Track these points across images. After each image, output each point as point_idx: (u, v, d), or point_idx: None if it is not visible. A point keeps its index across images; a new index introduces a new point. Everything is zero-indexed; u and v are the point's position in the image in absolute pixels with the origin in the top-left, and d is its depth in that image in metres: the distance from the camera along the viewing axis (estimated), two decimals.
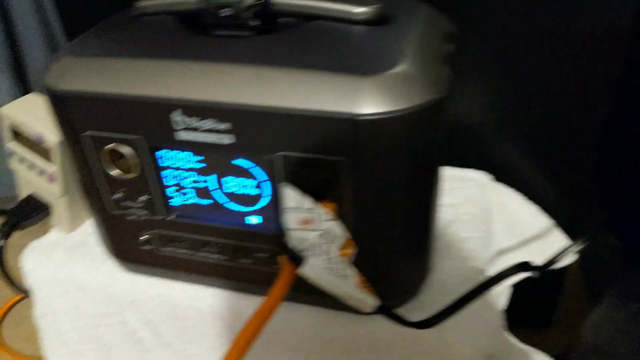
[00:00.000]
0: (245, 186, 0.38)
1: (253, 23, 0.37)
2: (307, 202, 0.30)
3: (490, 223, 0.54)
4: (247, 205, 0.39)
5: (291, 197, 0.30)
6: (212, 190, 0.39)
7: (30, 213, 0.50)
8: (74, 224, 0.52)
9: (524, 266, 0.34)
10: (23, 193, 0.52)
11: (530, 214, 0.57)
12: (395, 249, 0.38)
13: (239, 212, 0.39)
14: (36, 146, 0.47)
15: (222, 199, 0.39)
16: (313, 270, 0.26)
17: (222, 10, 0.36)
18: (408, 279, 0.41)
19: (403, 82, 0.32)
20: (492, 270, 0.51)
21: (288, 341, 0.44)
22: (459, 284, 0.45)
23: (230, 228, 0.40)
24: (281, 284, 0.29)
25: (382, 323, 0.42)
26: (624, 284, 0.64)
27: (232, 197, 0.39)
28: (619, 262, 0.70)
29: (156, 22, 0.40)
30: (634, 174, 0.62)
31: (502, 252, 0.56)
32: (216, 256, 0.42)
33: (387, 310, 0.30)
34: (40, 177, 0.48)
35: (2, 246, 0.48)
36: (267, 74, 0.33)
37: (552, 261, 0.39)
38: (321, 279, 0.26)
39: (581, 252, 0.46)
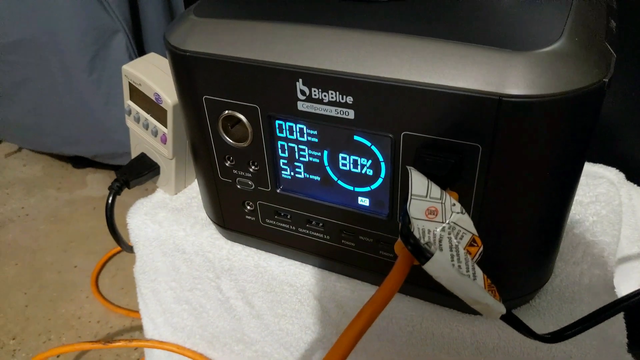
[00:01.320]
0: (360, 165, 0.35)
1: None
2: (435, 190, 0.27)
3: (619, 226, 0.48)
4: (358, 185, 0.37)
5: (418, 182, 0.27)
6: (324, 166, 0.37)
7: (141, 172, 0.52)
8: (179, 187, 0.53)
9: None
10: (135, 151, 0.53)
11: None
12: (520, 249, 0.34)
13: (349, 191, 0.37)
14: (152, 106, 0.47)
15: (333, 175, 0.37)
16: (440, 266, 0.24)
17: None
18: (528, 282, 0.37)
19: (560, 62, 0.28)
20: (617, 280, 0.46)
21: (384, 331, 0.42)
22: (579, 293, 0.40)
23: (338, 207, 0.38)
24: (397, 276, 0.27)
25: (488, 325, 0.39)
26: None
27: (344, 175, 0.37)
28: None
29: None
30: None
31: (627, 260, 0.50)
32: (319, 234, 0.40)
33: (514, 318, 0.27)
34: (153, 138, 0.49)
35: (111, 202, 0.50)
36: (397, 44, 0.30)
37: None
38: (447, 278, 0.24)
39: None
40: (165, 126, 0.47)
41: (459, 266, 0.25)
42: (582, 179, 0.50)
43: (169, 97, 0.45)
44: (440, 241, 0.26)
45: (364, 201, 0.37)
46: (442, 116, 0.30)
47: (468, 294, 0.25)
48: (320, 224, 0.40)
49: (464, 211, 0.27)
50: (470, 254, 0.26)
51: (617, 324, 0.39)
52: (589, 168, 0.52)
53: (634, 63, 0.53)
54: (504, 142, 0.29)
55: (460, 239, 0.27)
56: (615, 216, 0.47)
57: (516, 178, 0.31)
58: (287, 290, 0.45)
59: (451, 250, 0.26)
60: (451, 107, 0.29)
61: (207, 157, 0.41)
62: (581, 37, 0.29)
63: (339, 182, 0.37)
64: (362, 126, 0.33)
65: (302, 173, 0.38)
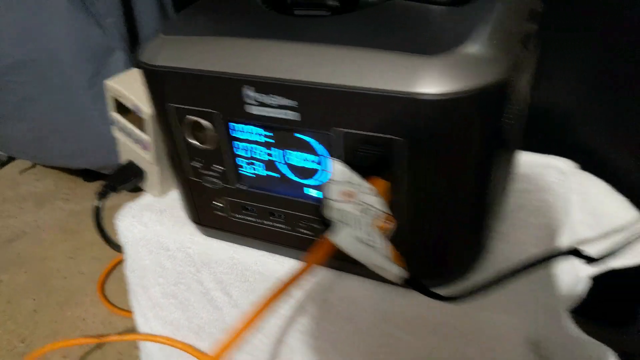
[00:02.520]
0: (306, 160, 0.40)
1: (331, 3, 0.39)
2: (354, 176, 0.32)
3: (570, 212, 0.51)
4: (307, 178, 0.41)
5: (339, 170, 0.32)
6: (278, 163, 0.41)
7: (127, 178, 0.56)
8: (163, 190, 0.58)
9: (574, 252, 0.33)
10: (122, 159, 0.58)
11: (617, 206, 0.54)
12: (447, 230, 0.38)
13: (300, 184, 0.41)
14: (134, 117, 0.52)
15: (286, 171, 0.41)
16: (343, 238, 0.28)
17: None
18: (459, 260, 0.41)
19: (465, 63, 0.32)
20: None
21: (343, 310, 0.46)
22: (519, 275, 0.44)
23: (293, 199, 0.42)
24: (316, 251, 0.31)
25: (436, 302, 0.43)
26: None
27: (295, 170, 0.41)
28: None
29: (243, 2, 0.43)
30: None
31: (582, 243, 0.53)
32: (281, 225, 0.45)
33: (415, 282, 0.31)
34: (136, 145, 0.54)
35: (99, 206, 0.54)
36: (331, 53, 0.35)
37: (608, 254, 0.37)
38: (350, 248, 0.28)
39: None
40: (146, 134, 0.52)
41: (365, 239, 0.29)
42: (532, 169, 0.53)
43: (147, 107, 0.50)
44: (350, 218, 0.30)
45: (313, 192, 0.41)
46: (369, 115, 0.34)
47: (372, 262, 0.29)
48: (281, 216, 0.44)
49: (378, 194, 0.31)
50: (381, 229, 0.30)
51: (546, 291, 0.42)
52: (541, 159, 0.55)
53: (584, 58, 0.57)
54: (420, 136, 0.33)
55: (372, 217, 0.31)
56: (562, 203, 0.50)
57: (435, 168, 0.35)
58: (259, 279, 0.50)
59: (360, 226, 0.30)
60: (375, 106, 0.34)
61: (178, 159, 0.46)
62: (487, 40, 0.33)
63: (291, 176, 0.41)
64: (306, 126, 0.37)
65: (260, 170, 0.43)
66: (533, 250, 0.45)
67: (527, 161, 0.55)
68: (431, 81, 0.32)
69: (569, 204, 0.51)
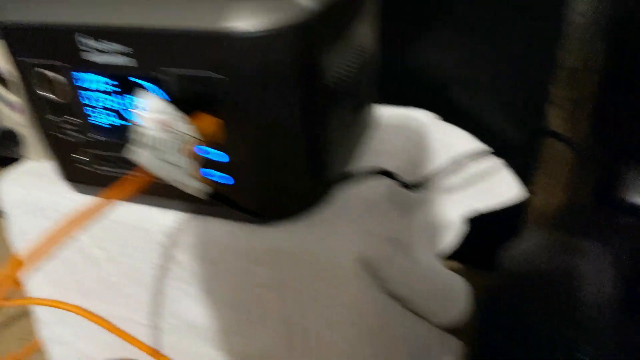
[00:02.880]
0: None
1: None
2: (168, 107, 0.34)
3: (431, 159, 0.55)
4: None
5: (153, 102, 0.34)
6: (127, 111, 0.43)
7: (7, 146, 0.57)
8: (43, 154, 0.59)
9: (383, 173, 0.37)
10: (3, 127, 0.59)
11: (472, 147, 0.58)
12: (283, 166, 0.41)
13: None
14: (1, 80, 0.53)
15: (132, 116, 0.43)
16: (145, 157, 0.31)
17: None
18: (300, 196, 0.44)
19: (272, 3, 0.35)
20: (447, 207, 0.53)
21: (202, 250, 0.48)
22: (358, 206, 0.47)
23: None
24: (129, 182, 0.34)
25: (280, 233, 0.45)
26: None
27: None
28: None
29: None
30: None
31: (449, 189, 0.57)
32: (138, 174, 0.47)
33: (218, 196, 0.34)
34: (11, 110, 0.55)
35: None
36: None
37: (422, 181, 0.41)
38: (153, 167, 0.31)
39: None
40: (14, 95, 0.53)
41: (172, 159, 0.32)
42: (394, 120, 0.57)
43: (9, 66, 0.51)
44: (160, 142, 0.33)
45: None
46: (191, 54, 0.37)
47: (175, 179, 0.32)
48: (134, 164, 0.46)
49: (190, 122, 0.34)
50: (190, 153, 0.33)
51: (374, 216, 0.45)
52: (403, 112, 0.59)
53: (453, 21, 0.61)
54: (240, 72, 0.36)
55: (182, 141, 0.33)
56: (423, 151, 0.54)
57: (259, 103, 0.38)
58: (131, 231, 0.51)
59: (169, 149, 0.32)
60: (195, 45, 0.36)
61: (37, 115, 0.47)
62: None
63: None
64: (142, 70, 0.39)
65: (113, 120, 0.44)
66: (379, 189, 0.48)
67: (390, 114, 0.59)
68: (243, 17, 0.35)
69: (428, 151, 0.55)
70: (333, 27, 0.39)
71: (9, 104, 0.54)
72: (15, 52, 0.43)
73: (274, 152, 0.40)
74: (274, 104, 0.38)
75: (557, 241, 0.56)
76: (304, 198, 0.44)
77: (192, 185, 0.31)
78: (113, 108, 0.44)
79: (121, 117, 0.44)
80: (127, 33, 0.38)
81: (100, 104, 0.44)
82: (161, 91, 0.40)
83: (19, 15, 0.41)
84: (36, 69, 0.43)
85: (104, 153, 0.47)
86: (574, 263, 0.50)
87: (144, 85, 0.41)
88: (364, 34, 0.46)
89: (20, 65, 0.44)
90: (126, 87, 0.42)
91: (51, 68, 0.42)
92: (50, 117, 0.46)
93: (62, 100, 0.44)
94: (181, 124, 0.34)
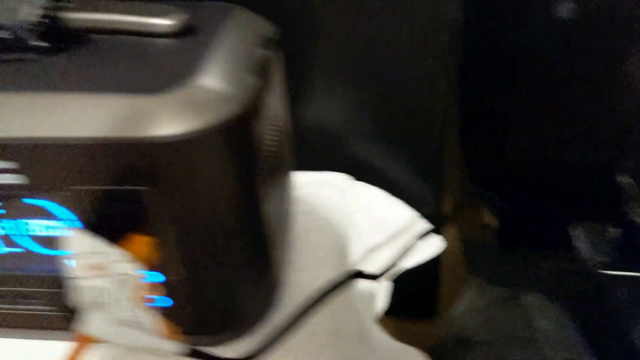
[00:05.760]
0: (53, 228, 0.33)
1: (37, 44, 0.33)
2: (98, 244, 0.27)
3: (353, 224, 0.53)
4: (60, 247, 0.34)
5: (78, 239, 0.27)
6: (16, 236, 0.34)
7: None
8: None
9: (358, 275, 0.34)
10: None
11: (394, 209, 0.58)
12: (229, 276, 0.36)
13: (53, 257, 0.35)
14: None
15: (29, 244, 0.34)
16: (98, 327, 0.23)
17: (3, 32, 0.32)
18: (252, 304, 0.39)
19: (201, 97, 0.30)
20: (370, 269, 0.51)
21: None
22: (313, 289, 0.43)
23: (50, 275, 0.35)
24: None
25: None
26: (492, 268, 0.67)
27: (41, 241, 0.34)
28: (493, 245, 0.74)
29: None
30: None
31: (372, 250, 0.56)
32: (41, 307, 0.37)
33: (201, 353, 0.28)
34: None
35: None
36: (48, 102, 0.30)
37: (390, 268, 0.39)
38: (112, 335, 0.23)
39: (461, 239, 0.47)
40: None
41: (129, 318, 0.25)
42: (310, 189, 0.54)
43: None
44: (106, 296, 0.26)
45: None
46: (107, 167, 0.30)
47: (144, 345, 0.25)
48: (41, 297, 0.37)
49: (132, 259, 0.27)
50: (140, 301, 0.26)
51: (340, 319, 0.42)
52: (316, 177, 0.57)
53: (351, 77, 0.60)
54: (168, 181, 0.30)
55: (128, 287, 0.26)
56: (344, 217, 0.52)
57: (194, 210, 0.32)
58: None
59: (119, 303, 0.25)
60: (111, 156, 0.29)
61: None
62: (218, 72, 0.31)
63: (39, 249, 0.35)
64: (38, 189, 0.31)
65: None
66: (327, 273, 0.45)
67: (303, 181, 0.55)
68: (166, 121, 0.29)
69: (351, 216, 0.53)
70: (258, 112, 0.35)
71: None
72: None
73: (219, 259, 0.35)
74: (211, 205, 0.33)
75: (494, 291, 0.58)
76: (258, 305, 0.39)
77: (169, 347, 0.24)
78: None
79: (9, 244, 0.34)
80: (16, 146, 0.29)
81: None
82: (66, 211, 0.32)
83: None
84: None
85: None
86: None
87: (43, 207, 0.32)
88: (277, 101, 0.42)
89: None
90: (13, 209, 0.33)
91: None
92: None
93: None
94: (119, 261, 0.26)
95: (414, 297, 0.69)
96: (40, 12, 0.32)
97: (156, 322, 0.25)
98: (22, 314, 0.38)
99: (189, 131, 0.29)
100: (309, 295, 0.38)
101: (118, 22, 0.34)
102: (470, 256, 0.67)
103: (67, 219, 0.33)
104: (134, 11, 0.35)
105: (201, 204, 0.32)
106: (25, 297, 0.37)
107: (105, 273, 0.26)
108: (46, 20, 0.33)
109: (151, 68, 0.32)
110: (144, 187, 0.30)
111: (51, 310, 0.37)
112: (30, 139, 0.29)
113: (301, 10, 0.53)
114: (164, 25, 0.34)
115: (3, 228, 0.34)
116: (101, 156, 0.29)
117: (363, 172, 0.59)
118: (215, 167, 0.31)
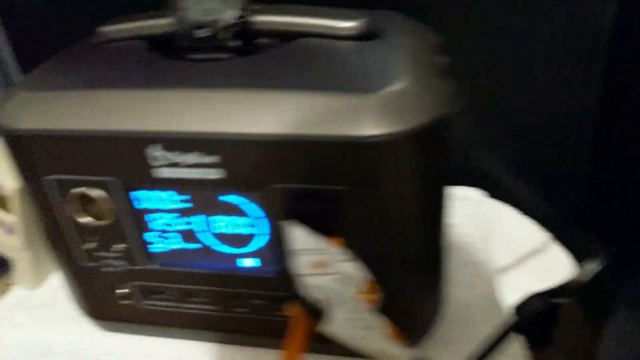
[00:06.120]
0: (237, 225, 0.33)
1: (232, 44, 0.33)
2: (317, 240, 0.26)
3: (490, 241, 0.51)
4: (238, 246, 0.34)
5: (299, 236, 0.26)
6: (199, 232, 0.34)
7: None
8: (38, 279, 0.46)
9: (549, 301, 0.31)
10: None
11: (528, 230, 0.55)
12: (407, 283, 0.34)
13: (229, 255, 0.35)
14: None
15: (210, 241, 0.35)
16: (336, 324, 0.22)
17: (198, 31, 0.32)
18: (425, 314, 0.37)
19: (408, 99, 0.29)
20: (503, 292, 0.48)
21: None
22: (474, 315, 0.41)
23: (222, 273, 0.35)
24: (297, 341, 0.25)
25: None
26: (631, 294, 0.62)
27: (223, 238, 0.34)
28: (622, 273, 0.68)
29: (124, 48, 0.36)
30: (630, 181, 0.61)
31: (506, 271, 0.53)
32: (206, 307, 0.37)
33: None
34: None
35: None
36: (255, 99, 0.30)
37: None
38: (345, 334, 0.22)
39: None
40: (11, 214, 0.41)
41: (353, 319, 0.24)
42: (451, 202, 0.52)
43: (11, 181, 0.39)
44: (331, 295, 0.25)
45: (249, 262, 0.35)
46: (311, 165, 0.29)
47: (369, 347, 0.24)
48: (205, 295, 0.37)
49: (353, 258, 0.26)
50: (366, 302, 0.25)
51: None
52: (455, 191, 0.55)
53: (482, 93, 0.58)
54: (368, 181, 0.29)
55: (352, 289, 0.25)
56: (486, 234, 0.50)
57: (387, 215, 0.31)
58: None
59: (344, 303, 0.24)
60: (314, 154, 0.29)
61: (64, 243, 0.36)
62: (419, 75, 0.30)
63: (216, 247, 0.35)
64: (233, 184, 0.31)
65: (175, 244, 0.35)
66: (482, 290, 0.43)
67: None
68: (373, 121, 0.28)
69: (487, 233, 0.51)
70: (451, 117, 0.34)
71: (1, 225, 0.42)
72: (39, 169, 0.33)
73: (403, 265, 0.33)
74: (404, 209, 0.31)
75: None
76: (426, 318, 0.37)
77: (395, 352, 0.23)
78: (179, 229, 0.34)
79: (189, 239, 0.35)
80: (219, 142, 0.30)
81: (164, 225, 0.34)
82: (258, 209, 0.32)
83: (49, 123, 0.31)
84: (75, 189, 0.33)
85: (161, 285, 0.37)
86: None
87: (236, 203, 0.32)
88: None
89: (47, 185, 0.33)
90: (201, 204, 0.33)
91: (97, 186, 0.33)
92: (88, 245, 0.36)
93: (109, 224, 0.34)
94: (341, 260, 0.26)
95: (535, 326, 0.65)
96: (238, 13, 0.33)
97: (383, 325, 0.24)
98: (186, 312, 0.38)
99: (394, 132, 0.28)
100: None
101: (304, 24, 0.34)
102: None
103: (257, 217, 0.33)
104: (317, 14, 0.35)
105: (392, 207, 0.31)
106: (191, 295, 0.37)
107: (328, 271, 0.25)
108: (242, 21, 0.33)
109: (346, 69, 0.31)
110: (342, 187, 0.30)
111: (212, 310, 0.37)
112: (232, 134, 0.29)
113: (449, 20, 0.52)
114: (349, 27, 0.34)
115: (188, 223, 0.34)
116: (303, 154, 0.29)
117: (495, 189, 0.57)
118: (413, 170, 0.30)
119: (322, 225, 0.30)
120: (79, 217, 0.34)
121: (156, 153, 0.30)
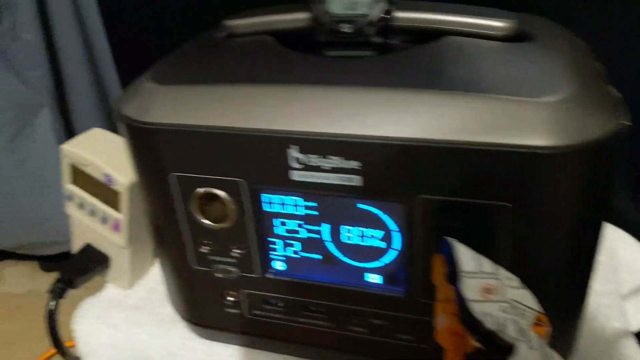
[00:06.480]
0: (370, 237, 0.31)
1: (376, 40, 0.31)
2: (486, 263, 0.23)
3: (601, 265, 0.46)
4: (367, 260, 0.32)
5: (466, 256, 0.23)
6: (323, 242, 0.32)
7: (87, 267, 0.43)
8: (133, 280, 0.45)
9: None
10: (77, 243, 0.45)
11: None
12: (557, 310, 0.31)
13: (356, 268, 0.32)
14: (101, 189, 0.40)
15: (336, 252, 0.32)
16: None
17: (343, 26, 0.30)
18: (563, 345, 0.33)
19: (587, 107, 0.26)
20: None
21: None
22: (605, 349, 0.37)
23: (343, 288, 0.33)
24: None
25: None
26: None
27: (349, 250, 0.32)
28: None
29: (253, 43, 0.34)
30: None
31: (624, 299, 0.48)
32: (321, 322, 0.34)
33: None
34: (102, 226, 0.42)
35: (53, 309, 0.41)
36: (405, 100, 0.27)
37: None
38: None
39: None
40: (118, 211, 0.40)
41: (536, 356, 0.21)
42: None
43: (123, 176, 0.38)
44: (505, 326, 0.21)
45: (374, 278, 0.32)
46: (466, 175, 0.26)
47: None
48: (322, 310, 0.34)
49: (523, 285, 0.23)
50: (540, 335, 0.22)
51: None
52: None
53: None
54: (537, 199, 0.26)
55: (525, 319, 0.22)
56: (612, 261, 0.45)
57: (548, 236, 0.28)
58: None
59: (524, 337, 0.21)
60: (476, 164, 0.26)
61: (177, 244, 0.34)
62: (590, 82, 0.27)
63: (344, 258, 0.32)
64: (371, 193, 0.29)
65: (298, 252, 0.33)
66: (612, 323, 0.38)
67: None
68: (548, 130, 0.25)
69: (613, 261, 0.46)
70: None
71: (105, 220, 0.41)
72: (166, 165, 0.31)
73: (551, 292, 0.30)
74: (565, 232, 0.28)
75: None
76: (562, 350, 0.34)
77: None
78: (302, 237, 0.32)
79: (309, 249, 0.32)
80: (361, 145, 0.27)
81: (288, 233, 0.32)
82: (392, 221, 0.30)
83: (182, 118, 0.30)
84: (202, 189, 0.31)
85: (275, 295, 0.34)
86: None
87: (373, 212, 0.30)
88: None
89: (173, 183, 0.32)
90: (330, 212, 0.31)
91: (224, 187, 0.31)
92: (204, 248, 0.34)
93: (228, 228, 0.32)
94: (512, 288, 0.23)
95: None
96: (384, 8, 0.30)
97: None
98: (298, 326, 0.35)
99: (574, 143, 0.25)
100: None
101: (452, 22, 0.32)
102: None
103: (392, 230, 0.30)
104: (464, 12, 0.32)
105: (556, 227, 0.27)
106: (306, 308, 0.34)
107: (497, 298, 0.22)
108: (388, 17, 0.31)
109: (506, 71, 0.28)
110: (503, 203, 0.26)
111: (329, 327, 0.35)
112: (378, 138, 0.27)
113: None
114: (500, 27, 0.31)
115: (312, 231, 0.32)
116: (460, 163, 0.26)
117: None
118: (587, 187, 0.27)
119: (474, 245, 0.26)
120: (200, 218, 0.32)
121: (297, 155, 0.28)
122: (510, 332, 0.21)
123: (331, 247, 0.32)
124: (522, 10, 0.36)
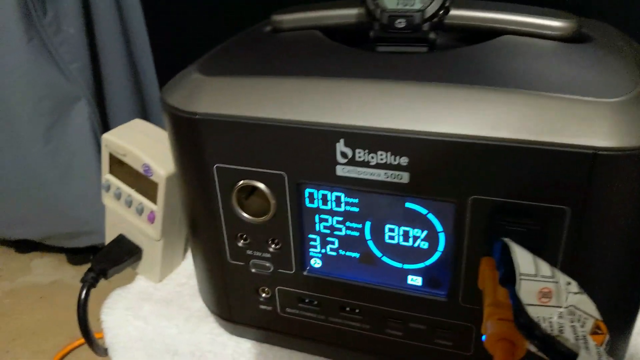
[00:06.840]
0: (412, 237, 0.30)
1: (431, 37, 0.30)
2: (543, 266, 0.22)
3: None
4: (409, 261, 0.31)
5: (523, 258, 0.22)
6: (366, 240, 0.31)
7: (120, 258, 0.43)
8: (164, 273, 0.45)
9: None
10: (111, 233, 0.45)
11: None
12: (613, 318, 0.29)
13: (396, 269, 0.31)
14: (139, 180, 0.40)
15: (377, 251, 0.31)
16: None
17: (397, 21, 0.30)
18: (616, 355, 0.32)
19: None
20: None
21: None
22: None
23: (381, 289, 0.32)
24: None
25: None
26: None
27: (391, 249, 0.31)
28: None
29: (301, 37, 0.34)
30: None
31: None
32: (356, 323, 0.34)
33: None
34: (137, 217, 0.42)
35: (85, 298, 0.41)
36: (463, 96, 0.26)
37: None
38: None
39: None
40: (154, 202, 0.40)
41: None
42: None
43: (162, 167, 0.38)
44: (563, 332, 0.20)
45: (415, 280, 0.31)
46: (522, 176, 0.25)
47: None
48: (358, 311, 0.33)
49: (582, 290, 0.22)
50: (598, 344, 0.21)
51: None
52: None
53: None
54: (596, 202, 0.25)
55: (583, 326, 0.21)
56: None
57: (606, 243, 0.26)
58: None
59: (586, 345, 0.20)
60: (533, 165, 0.25)
61: (214, 237, 0.34)
62: None
63: (384, 258, 0.31)
64: (419, 191, 0.28)
65: (337, 250, 0.32)
66: None
67: None
68: (620, 131, 0.24)
69: None
70: None
71: (141, 210, 0.41)
72: (208, 156, 0.31)
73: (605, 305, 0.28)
74: (624, 238, 0.27)
75: None
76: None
77: None
78: (341, 234, 0.31)
79: (348, 247, 0.32)
80: (411, 141, 0.26)
81: (328, 229, 0.31)
82: (438, 222, 0.29)
83: (229, 109, 0.29)
84: (244, 181, 0.31)
85: (311, 293, 0.34)
86: None
87: (419, 212, 0.29)
88: None
89: (214, 175, 0.31)
90: (373, 209, 0.30)
91: (266, 180, 0.30)
92: (241, 242, 0.33)
93: (267, 222, 0.32)
94: (572, 294, 0.21)
95: None
96: (441, 3, 0.30)
97: None
98: (333, 327, 0.34)
99: (635, 145, 0.24)
100: None
101: (508, 20, 0.31)
102: None
103: (441, 232, 0.29)
104: (520, 11, 0.31)
105: (611, 230, 0.26)
106: (342, 309, 0.34)
107: (555, 303, 0.21)
108: (441, 13, 0.30)
109: (569, 70, 0.27)
110: (557, 206, 0.25)
111: (365, 329, 0.34)
112: (427, 134, 0.26)
113: None
114: (560, 27, 0.30)
115: (352, 229, 0.31)
116: (519, 163, 0.25)
117: None
118: None
119: (529, 249, 0.25)
120: (240, 211, 0.32)
121: (345, 149, 0.27)
122: (569, 338, 0.20)
123: (372, 246, 0.31)
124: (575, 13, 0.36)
